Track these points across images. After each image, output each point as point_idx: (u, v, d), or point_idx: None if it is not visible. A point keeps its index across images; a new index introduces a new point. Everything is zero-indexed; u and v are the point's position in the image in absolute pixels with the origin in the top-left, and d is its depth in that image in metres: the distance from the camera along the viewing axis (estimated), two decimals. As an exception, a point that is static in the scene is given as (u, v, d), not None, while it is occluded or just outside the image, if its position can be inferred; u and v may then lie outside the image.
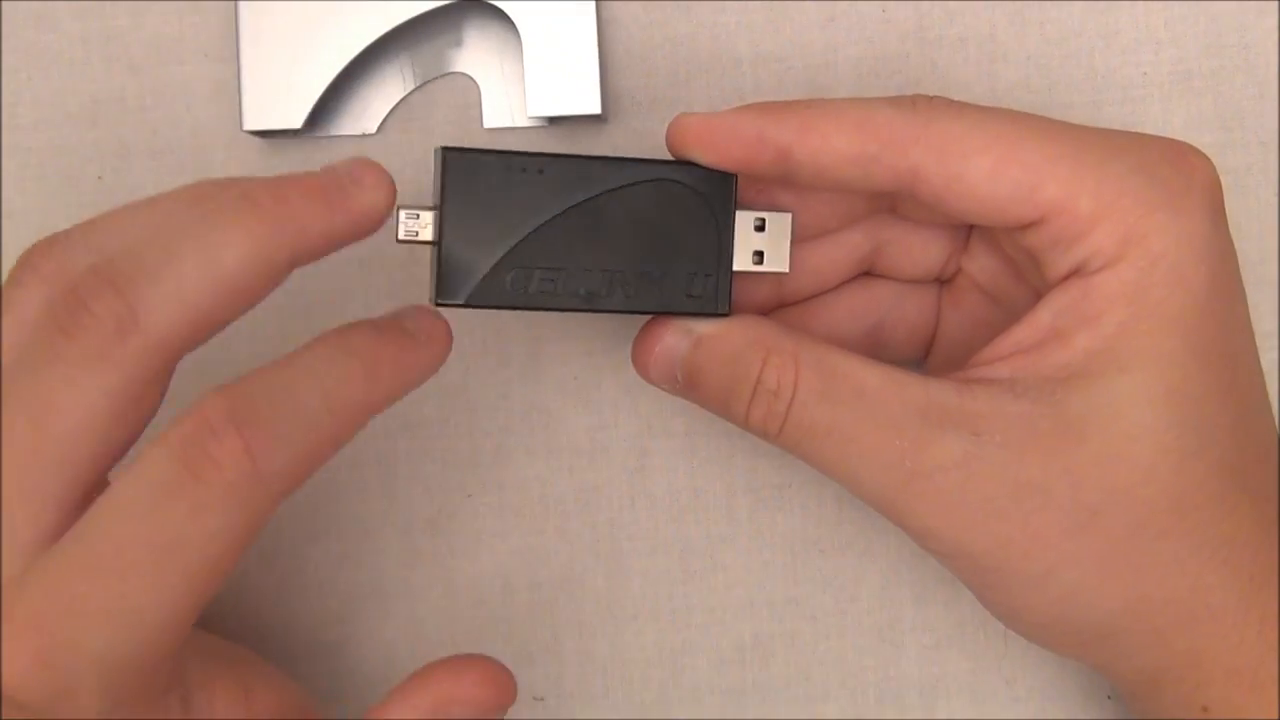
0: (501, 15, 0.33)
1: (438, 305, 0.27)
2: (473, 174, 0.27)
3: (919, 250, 0.31)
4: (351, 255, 0.35)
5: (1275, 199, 0.34)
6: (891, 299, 0.32)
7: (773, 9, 0.34)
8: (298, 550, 0.35)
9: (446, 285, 0.27)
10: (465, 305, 0.27)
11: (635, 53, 0.34)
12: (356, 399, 0.25)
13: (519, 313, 0.34)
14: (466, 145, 0.27)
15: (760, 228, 0.28)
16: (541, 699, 0.35)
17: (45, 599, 0.24)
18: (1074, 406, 0.27)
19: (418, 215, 0.27)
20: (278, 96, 0.33)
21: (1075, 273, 0.27)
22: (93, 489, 0.25)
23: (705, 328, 0.28)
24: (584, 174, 0.27)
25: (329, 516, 0.34)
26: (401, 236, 0.27)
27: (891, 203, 0.30)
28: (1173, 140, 0.28)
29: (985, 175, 0.27)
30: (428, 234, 0.27)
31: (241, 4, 0.33)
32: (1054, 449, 0.27)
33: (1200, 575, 0.27)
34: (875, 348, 0.32)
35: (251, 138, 0.34)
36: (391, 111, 0.34)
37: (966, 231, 0.31)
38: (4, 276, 0.34)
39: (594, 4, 0.33)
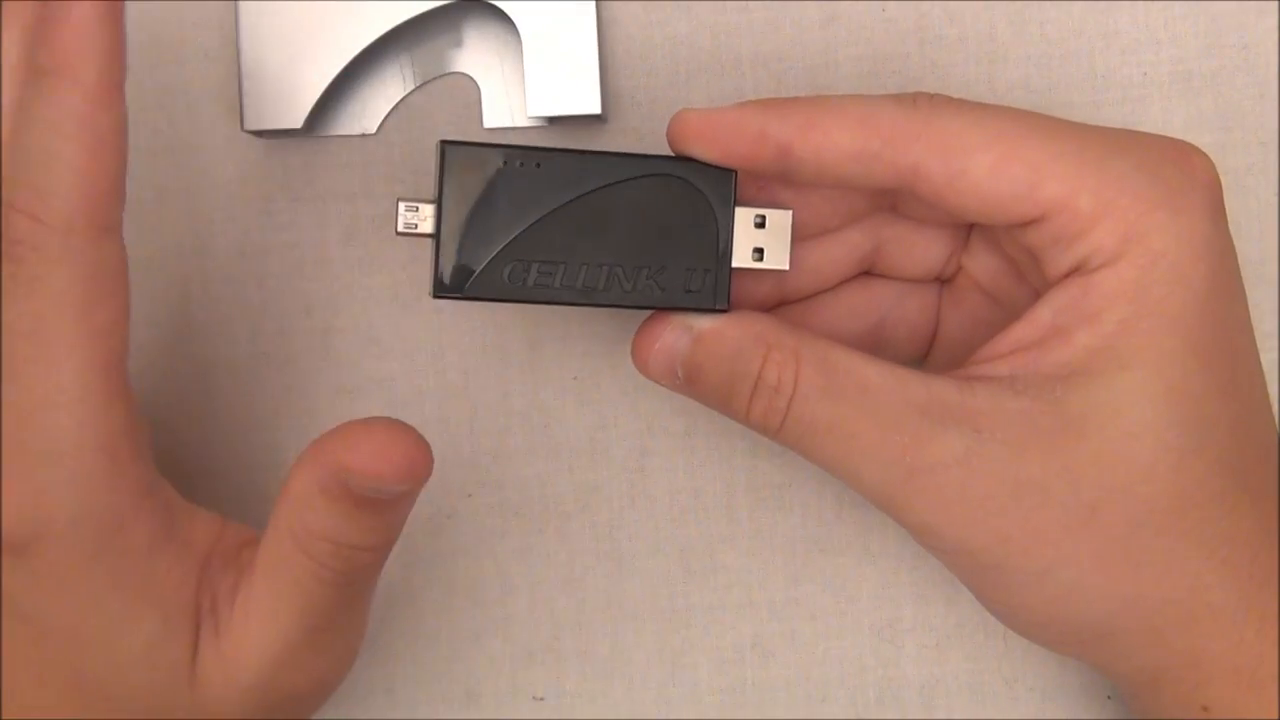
0: (501, 15, 0.33)
1: (436, 298, 0.27)
2: (472, 167, 0.27)
3: (920, 249, 0.31)
4: (351, 255, 0.35)
5: (1275, 199, 0.34)
6: (892, 298, 0.32)
7: (773, 9, 0.34)
8: (298, 550, 0.35)
9: (445, 277, 0.27)
10: (463, 297, 0.27)
11: (635, 53, 0.34)
12: (80, 110, 0.25)
13: (519, 312, 0.34)
14: (466, 139, 0.27)
15: (761, 224, 0.28)
16: (541, 699, 0.35)
17: None
18: (1074, 404, 0.27)
19: (417, 208, 0.27)
20: (278, 96, 0.33)
21: (1076, 270, 0.27)
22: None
23: (705, 323, 0.28)
24: (584, 168, 0.27)
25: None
26: (400, 229, 0.27)
27: (892, 201, 0.30)
28: (1173, 139, 0.28)
29: (986, 172, 0.27)
30: (427, 226, 0.27)
31: (241, 4, 0.33)
32: (1054, 446, 0.27)
33: (1199, 574, 0.27)
34: (875, 347, 0.32)
35: (251, 138, 0.34)
36: (391, 111, 0.35)
37: (967, 231, 0.31)
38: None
39: (594, 4, 0.33)
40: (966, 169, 0.27)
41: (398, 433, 0.26)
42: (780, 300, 0.31)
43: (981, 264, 0.31)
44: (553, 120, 0.34)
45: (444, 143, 0.27)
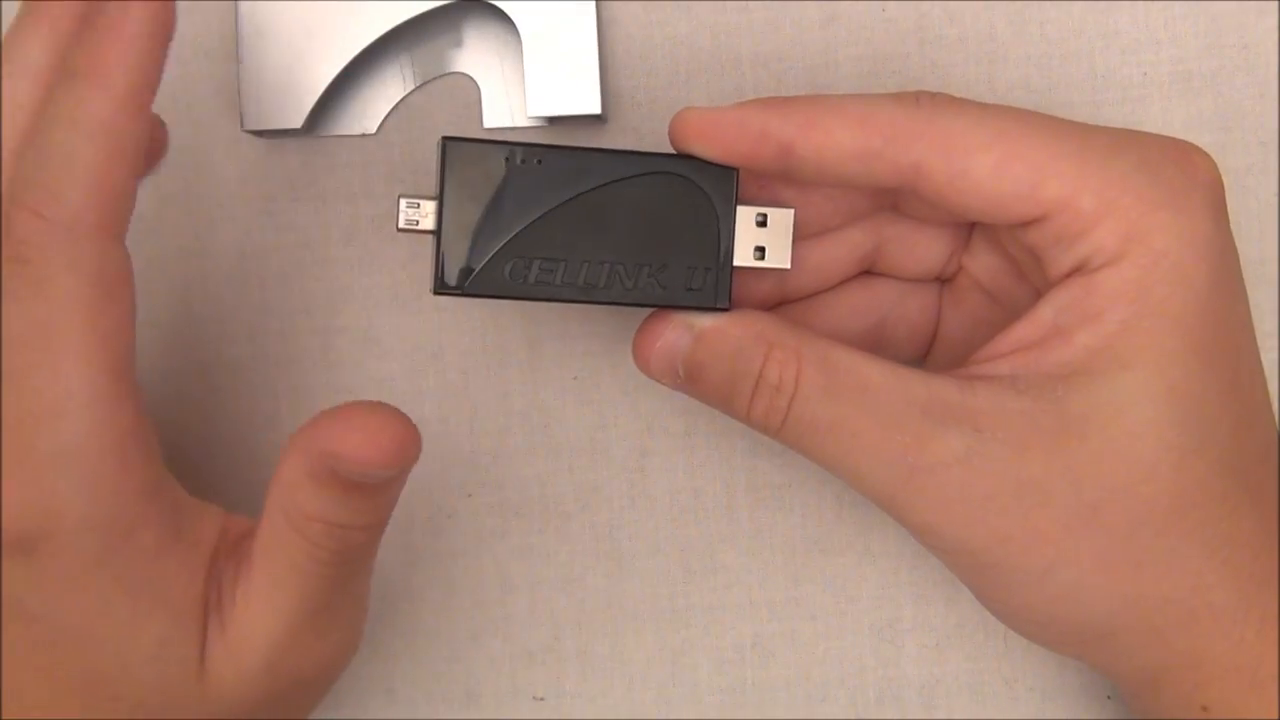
0: (501, 15, 0.33)
1: (437, 294, 0.27)
2: (473, 164, 0.27)
3: (920, 248, 0.31)
4: (351, 255, 0.35)
5: (1275, 199, 0.34)
6: (893, 297, 0.32)
7: (773, 9, 0.34)
8: (298, 550, 0.35)
9: (445, 274, 0.27)
10: (464, 294, 0.27)
11: (635, 53, 0.34)
12: (98, 108, 0.26)
13: (519, 312, 0.34)
14: (468, 136, 0.27)
15: (762, 223, 0.28)
16: (541, 699, 0.35)
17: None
18: (1075, 404, 0.27)
19: (418, 204, 0.27)
20: (278, 96, 0.33)
21: (1077, 270, 0.27)
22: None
23: (706, 322, 0.28)
24: (585, 166, 0.27)
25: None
26: (401, 225, 0.27)
27: (893, 200, 0.30)
28: (1175, 139, 0.28)
29: (988, 172, 0.27)
30: (428, 223, 0.27)
31: (241, 4, 0.33)
32: (1055, 446, 0.27)
33: (1200, 574, 0.27)
34: (876, 346, 0.32)
35: (251, 138, 0.34)
36: (391, 111, 0.35)
37: (968, 230, 0.31)
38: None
39: (594, 4, 0.33)
40: (968, 168, 0.27)
41: (384, 417, 0.25)
42: (781, 299, 0.31)
43: (982, 263, 0.31)
44: (553, 120, 0.34)
45: (445, 139, 0.27)
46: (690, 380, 0.28)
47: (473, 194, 0.27)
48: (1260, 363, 0.29)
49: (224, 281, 0.35)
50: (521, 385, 0.35)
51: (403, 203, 0.27)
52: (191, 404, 0.35)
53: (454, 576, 0.35)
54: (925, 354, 0.32)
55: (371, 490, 0.26)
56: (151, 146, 0.29)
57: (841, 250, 0.31)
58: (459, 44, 0.35)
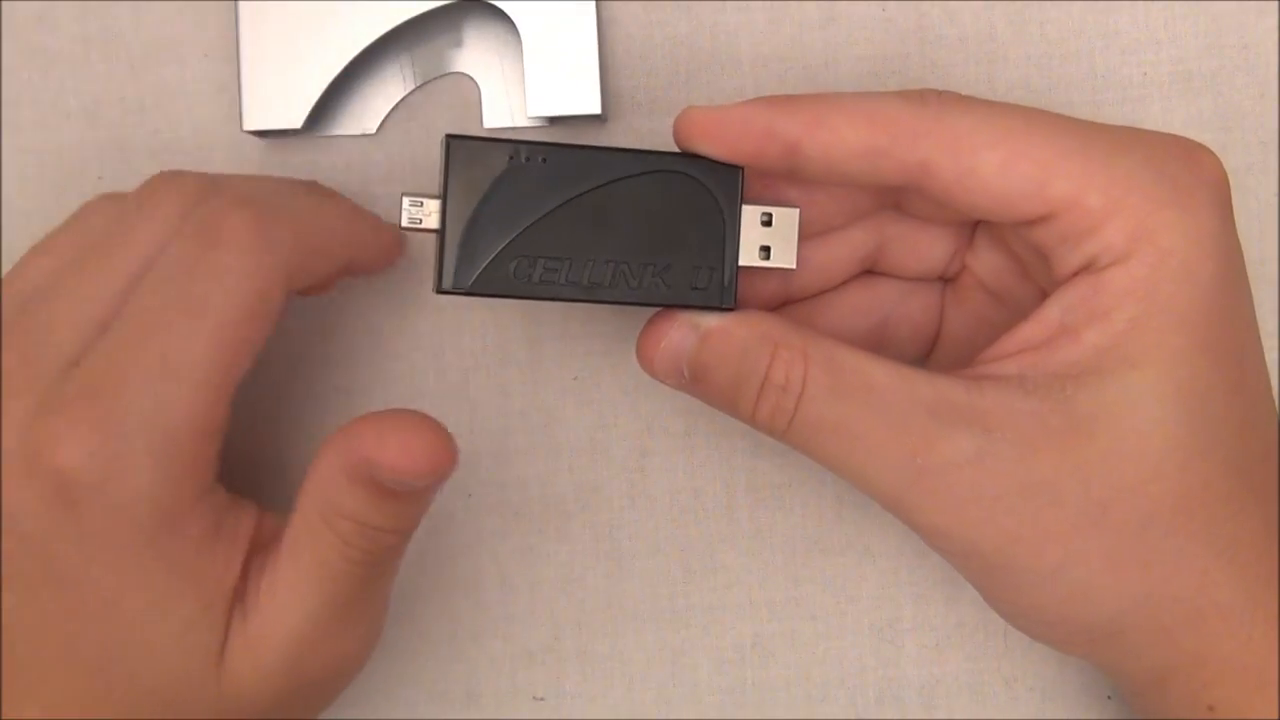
0: (501, 15, 0.33)
1: (440, 293, 0.27)
2: (477, 162, 0.27)
3: (924, 248, 0.31)
4: (351, 255, 0.35)
5: (1275, 199, 0.34)
6: (895, 297, 0.32)
7: (773, 9, 0.34)
8: (298, 550, 0.35)
9: (449, 273, 0.27)
10: (468, 293, 0.27)
11: (635, 53, 0.34)
12: (342, 225, 0.30)
13: (519, 311, 0.34)
14: (472, 134, 0.27)
15: (767, 223, 0.28)
16: (541, 699, 0.35)
17: (98, 369, 0.26)
18: (1084, 403, 0.26)
19: (421, 203, 0.27)
20: (278, 96, 0.33)
21: (1084, 269, 0.27)
22: None
23: (712, 322, 0.28)
24: (590, 164, 0.27)
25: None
26: (405, 224, 0.27)
27: (897, 199, 0.30)
28: (1182, 137, 0.28)
29: (995, 170, 0.27)
30: (431, 222, 0.27)
31: (241, 4, 0.33)
32: (1064, 446, 0.26)
33: (1207, 573, 0.27)
34: (879, 346, 0.32)
35: (251, 138, 0.34)
36: (391, 111, 0.34)
37: (971, 229, 0.31)
38: (2, 279, 0.34)
39: (594, 4, 0.33)
40: (976, 166, 0.27)
41: (423, 428, 0.26)
42: (785, 299, 0.31)
43: (985, 262, 0.31)
44: (553, 120, 0.34)
45: (450, 136, 0.27)
46: (695, 381, 0.28)
47: (477, 192, 0.27)
48: (1264, 361, 0.29)
49: (224, 281, 0.35)
50: (521, 385, 0.35)
51: (406, 201, 0.27)
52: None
53: (454, 576, 0.35)
54: (928, 354, 0.32)
55: (405, 496, 0.27)
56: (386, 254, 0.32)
57: (844, 250, 0.31)
58: (459, 44, 0.35)
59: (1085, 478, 0.26)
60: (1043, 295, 0.29)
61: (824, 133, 0.27)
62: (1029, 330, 0.28)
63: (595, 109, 0.33)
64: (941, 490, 0.27)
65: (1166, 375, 0.26)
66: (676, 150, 0.28)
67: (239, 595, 0.28)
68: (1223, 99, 0.34)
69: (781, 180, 0.29)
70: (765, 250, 0.28)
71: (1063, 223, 0.27)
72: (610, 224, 0.27)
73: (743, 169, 0.28)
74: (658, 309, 0.29)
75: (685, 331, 0.28)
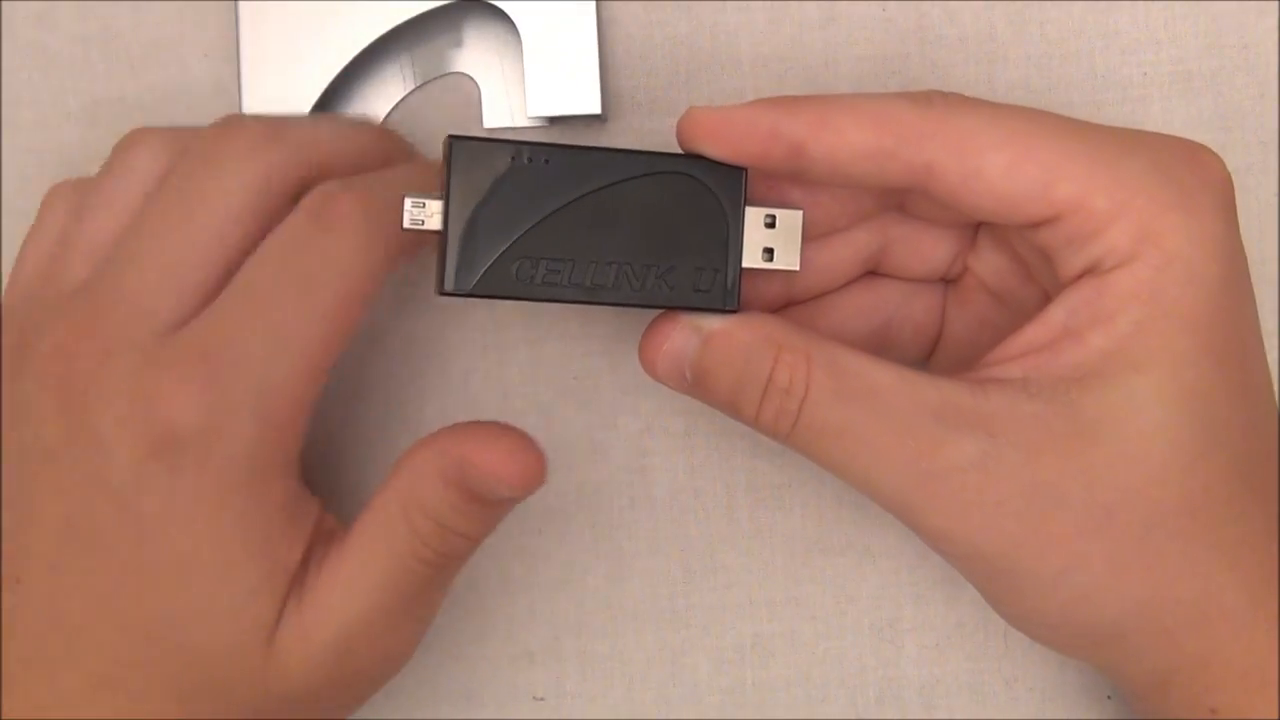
0: (502, 15, 0.33)
1: (442, 295, 0.27)
2: (480, 163, 0.27)
3: (926, 249, 0.31)
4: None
5: (1275, 199, 0.34)
6: (898, 299, 0.32)
7: (773, 9, 0.34)
8: (298, 550, 0.35)
9: (452, 274, 0.27)
10: (471, 295, 0.27)
11: (635, 53, 0.34)
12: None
13: (519, 311, 0.34)
14: (473, 134, 0.27)
15: (770, 224, 0.28)
16: (541, 699, 0.35)
17: (210, 334, 0.27)
18: (1088, 407, 0.26)
19: (424, 204, 0.27)
20: (278, 96, 0.33)
21: (1089, 271, 0.27)
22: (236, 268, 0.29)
23: (715, 324, 0.28)
24: (592, 165, 0.27)
25: (329, 516, 0.34)
26: (407, 225, 0.27)
27: (900, 201, 0.30)
28: (1186, 140, 0.28)
29: (1001, 172, 0.27)
30: (434, 223, 0.27)
31: (241, 4, 0.33)
32: (1069, 450, 0.26)
33: (1211, 576, 0.27)
34: (881, 348, 0.32)
35: (251, 138, 0.34)
36: (391, 111, 0.34)
37: (973, 231, 0.31)
38: (3, 281, 0.34)
39: (594, 4, 0.33)
40: (981, 168, 0.27)
41: (524, 444, 0.28)
42: (787, 301, 0.31)
43: (988, 264, 0.31)
44: (553, 120, 0.34)
45: (452, 137, 0.27)
46: (698, 384, 0.28)
47: (479, 193, 0.27)
48: (1266, 362, 0.29)
49: (224, 281, 0.35)
50: (522, 385, 0.35)
51: (408, 202, 0.27)
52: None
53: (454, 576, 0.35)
54: (929, 355, 0.32)
55: (487, 505, 0.28)
56: None
57: (847, 251, 0.31)
58: (459, 44, 0.35)
59: (1090, 482, 0.26)
60: (1045, 297, 0.29)
61: (829, 134, 0.27)
62: (1033, 333, 0.27)
63: (595, 109, 0.33)
64: (945, 494, 0.27)
65: (1171, 378, 0.26)
66: (679, 151, 0.28)
67: (297, 580, 0.28)
68: (1223, 99, 0.34)
69: (785, 181, 0.29)
70: (769, 252, 0.28)
71: (1068, 225, 0.27)
72: (613, 225, 0.27)
73: (746, 170, 0.28)
74: (660, 311, 0.29)
75: (688, 334, 0.28)
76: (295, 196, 0.29)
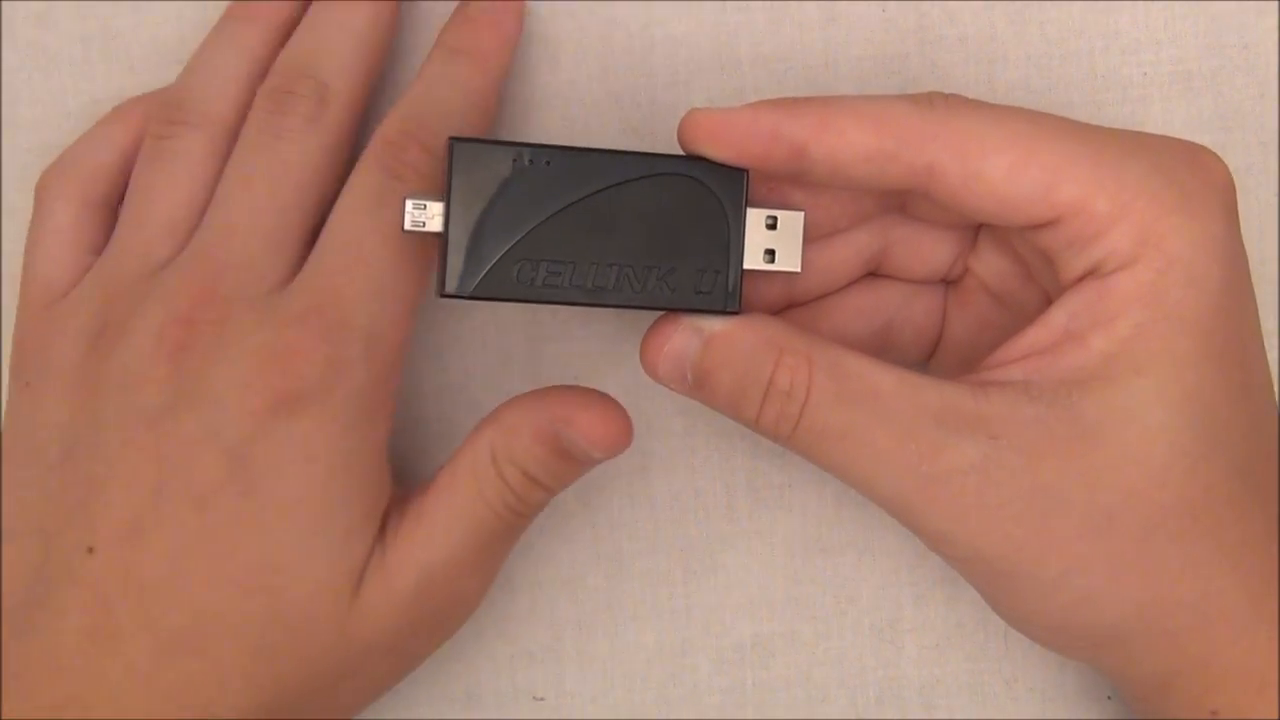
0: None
1: (443, 297, 0.27)
2: (481, 165, 0.27)
3: (927, 250, 0.31)
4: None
5: (1275, 199, 0.34)
6: (899, 300, 0.32)
7: (773, 9, 0.34)
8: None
9: (453, 276, 0.27)
10: (471, 297, 0.27)
11: (635, 52, 0.34)
12: (479, 84, 0.32)
13: (520, 311, 0.34)
14: (475, 136, 0.27)
15: (772, 226, 0.28)
16: (541, 699, 0.35)
17: (319, 289, 0.29)
18: (1089, 410, 0.26)
19: (425, 206, 0.27)
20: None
21: (1091, 274, 0.27)
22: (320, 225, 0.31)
23: (716, 326, 0.28)
24: (593, 167, 0.27)
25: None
26: (408, 227, 0.27)
27: (901, 202, 0.30)
28: (1188, 142, 0.28)
29: (1003, 174, 0.27)
30: (435, 225, 0.27)
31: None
32: (1070, 453, 0.26)
33: (1212, 578, 0.27)
34: (882, 349, 0.32)
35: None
36: (391, 111, 0.34)
37: (974, 232, 0.31)
38: (4, 282, 0.34)
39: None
40: (983, 170, 0.27)
41: (617, 411, 0.29)
42: (788, 302, 0.31)
43: (989, 266, 0.31)
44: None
45: (453, 139, 0.27)
46: (699, 386, 0.28)
47: (480, 195, 0.27)
48: (1268, 363, 0.29)
49: (224, 281, 0.35)
50: (523, 386, 0.34)
51: (409, 204, 0.27)
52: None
53: (454, 576, 0.35)
54: (930, 356, 0.32)
55: (573, 462, 0.30)
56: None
57: (848, 252, 0.31)
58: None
59: (1091, 485, 0.26)
60: (1046, 299, 0.29)
61: (831, 136, 0.27)
62: (1035, 335, 0.27)
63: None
64: (946, 497, 0.27)
65: (1173, 381, 0.26)
66: (681, 153, 0.28)
67: (379, 531, 0.30)
68: (1223, 99, 0.34)
69: (786, 183, 0.29)
70: (770, 254, 0.28)
71: (1069, 227, 0.27)
72: (614, 227, 0.27)
73: (747, 172, 0.28)
74: (661, 313, 0.29)
75: (689, 335, 0.28)
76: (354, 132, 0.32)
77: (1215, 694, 0.28)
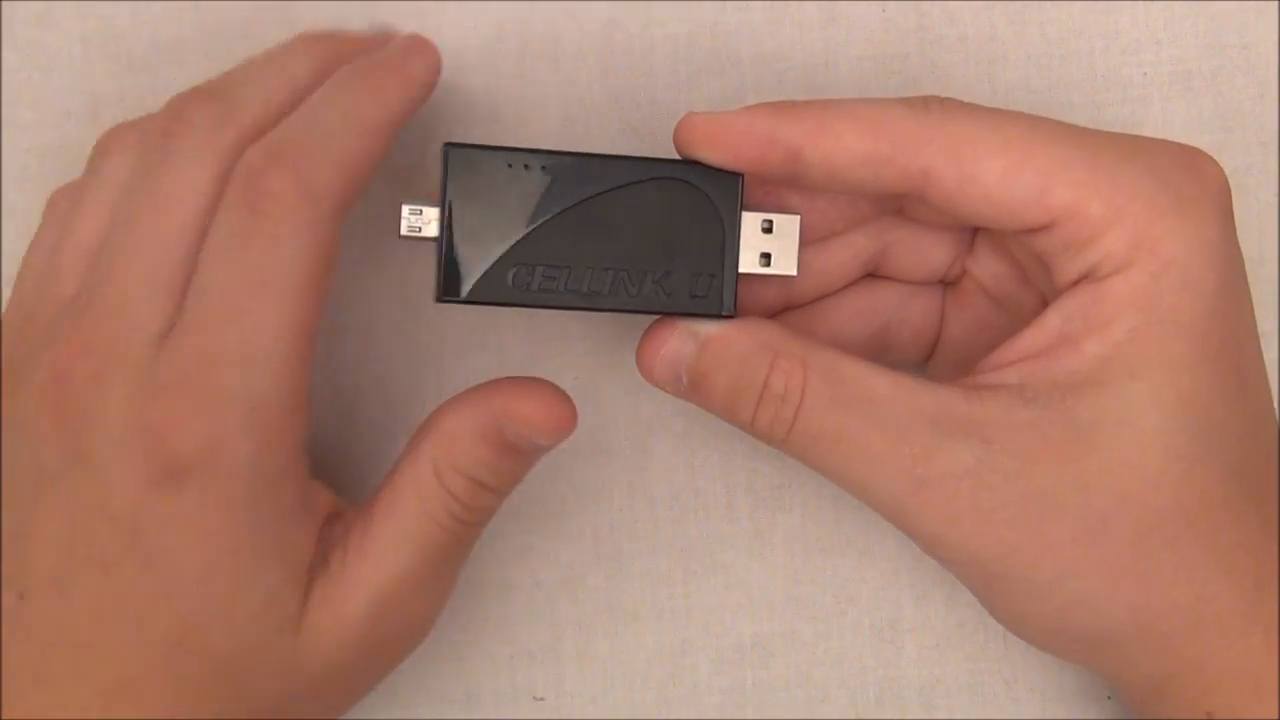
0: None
1: (440, 302, 0.27)
2: (476, 170, 0.27)
3: (925, 252, 0.31)
4: (350, 255, 0.35)
5: (1275, 199, 0.34)
6: (897, 301, 0.32)
7: (773, 9, 0.34)
8: (298, 550, 0.35)
9: (449, 281, 0.27)
10: (467, 302, 0.27)
11: (635, 52, 0.34)
12: (372, 114, 0.28)
13: (519, 313, 0.34)
14: (471, 141, 0.27)
15: (768, 229, 0.28)
16: (541, 699, 0.35)
17: (186, 357, 0.26)
18: (1084, 413, 0.26)
19: (421, 211, 0.27)
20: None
21: (1085, 277, 0.27)
22: None
23: (711, 330, 0.28)
24: (589, 171, 0.27)
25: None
26: (404, 232, 0.27)
27: (898, 204, 0.30)
28: (1184, 145, 0.28)
29: (997, 178, 0.27)
30: (431, 230, 0.27)
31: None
32: (1064, 457, 0.26)
33: (1207, 582, 0.27)
34: (880, 350, 0.32)
35: (251, 138, 0.34)
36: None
37: (971, 234, 0.31)
38: (4, 283, 0.34)
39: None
40: (977, 174, 0.27)
41: (557, 393, 0.28)
42: (786, 305, 0.31)
43: (986, 267, 0.31)
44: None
45: (448, 145, 0.27)
46: (694, 389, 0.28)
47: (476, 200, 0.27)
48: (1264, 367, 0.29)
49: (224, 281, 0.35)
50: (522, 385, 0.35)
51: (405, 209, 0.27)
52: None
53: (454, 577, 0.35)
54: (928, 357, 0.32)
55: (518, 456, 0.29)
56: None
57: (846, 254, 0.31)
58: (459, 44, 0.34)
59: (1085, 489, 0.26)
60: (1043, 300, 0.29)
61: (826, 139, 0.27)
62: (1030, 338, 0.27)
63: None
64: (940, 501, 0.27)
65: (1167, 386, 0.26)
66: (676, 157, 0.28)
67: (322, 561, 0.28)
68: (1223, 99, 0.34)
69: (782, 186, 0.29)
70: (766, 257, 0.28)
71: (1064, 231, 0.27)
72: (610, 231, 0.27)
73: (742, 176, 0.28)
74: (658, 316, 0.29)
75: (684, 339, 0.28)
76: None
77: (1211, 696, 0.28)
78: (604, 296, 0.27)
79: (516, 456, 0.29)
